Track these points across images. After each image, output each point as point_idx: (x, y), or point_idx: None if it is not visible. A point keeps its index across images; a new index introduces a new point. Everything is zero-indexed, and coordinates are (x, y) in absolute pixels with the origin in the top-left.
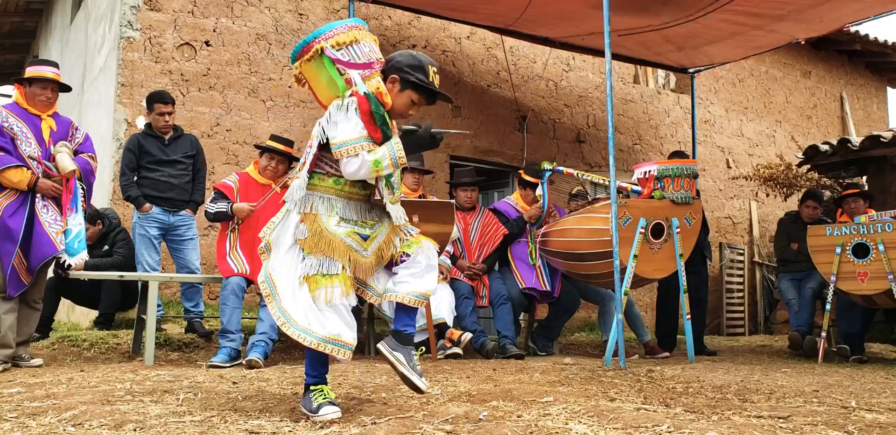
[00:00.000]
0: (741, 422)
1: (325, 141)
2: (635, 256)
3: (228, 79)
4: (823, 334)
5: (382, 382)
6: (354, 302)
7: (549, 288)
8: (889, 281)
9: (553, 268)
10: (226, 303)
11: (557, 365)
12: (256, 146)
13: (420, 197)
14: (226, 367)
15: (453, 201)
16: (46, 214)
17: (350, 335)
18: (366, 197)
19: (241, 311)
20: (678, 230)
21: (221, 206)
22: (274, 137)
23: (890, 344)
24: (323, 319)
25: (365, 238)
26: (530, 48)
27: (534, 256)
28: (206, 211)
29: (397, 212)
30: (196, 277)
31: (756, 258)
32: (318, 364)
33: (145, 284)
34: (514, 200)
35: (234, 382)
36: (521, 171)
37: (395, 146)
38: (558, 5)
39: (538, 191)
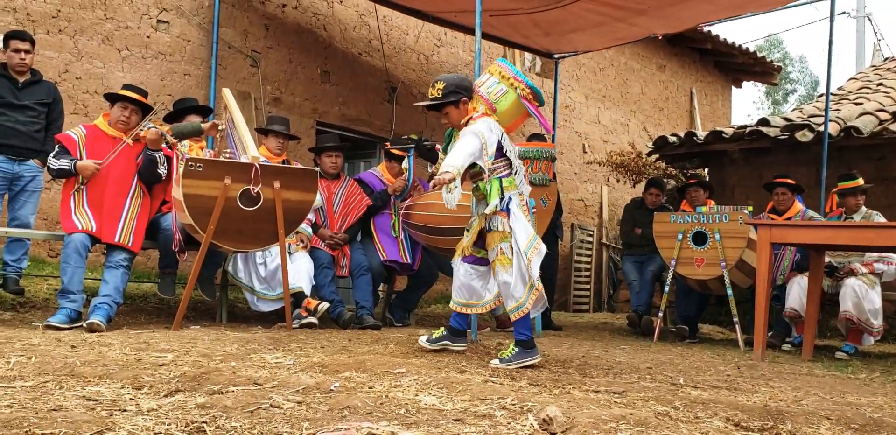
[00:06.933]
0: (580, 396)
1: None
2: None
3: (81, 23)
4: (660, 314)
5: (233, 350)
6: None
7: (409, 260)
8: (721, 268)
9: (414, 241)
10: (67, 261)
11: (413, 337)
12: (106, 96)
13: (283, 163)
14: (64, 328)
15: (317, 169)
16: None
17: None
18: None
19: (84, 270)
20: (534, 210)
21: (64, 163)
22: (127, 87)
23: (718, 325)
24: None
25: None
26: (403, 19)
27: (396, 229)
28: (48, 166)
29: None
30: (36, 233)
31: (604, 240)
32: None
33: None
34: (379, 172)
35: (73, 346)
36: (387, 144)
37: None
38: None
39: (404, 164)
